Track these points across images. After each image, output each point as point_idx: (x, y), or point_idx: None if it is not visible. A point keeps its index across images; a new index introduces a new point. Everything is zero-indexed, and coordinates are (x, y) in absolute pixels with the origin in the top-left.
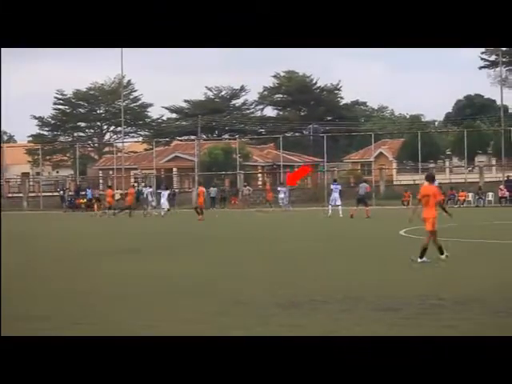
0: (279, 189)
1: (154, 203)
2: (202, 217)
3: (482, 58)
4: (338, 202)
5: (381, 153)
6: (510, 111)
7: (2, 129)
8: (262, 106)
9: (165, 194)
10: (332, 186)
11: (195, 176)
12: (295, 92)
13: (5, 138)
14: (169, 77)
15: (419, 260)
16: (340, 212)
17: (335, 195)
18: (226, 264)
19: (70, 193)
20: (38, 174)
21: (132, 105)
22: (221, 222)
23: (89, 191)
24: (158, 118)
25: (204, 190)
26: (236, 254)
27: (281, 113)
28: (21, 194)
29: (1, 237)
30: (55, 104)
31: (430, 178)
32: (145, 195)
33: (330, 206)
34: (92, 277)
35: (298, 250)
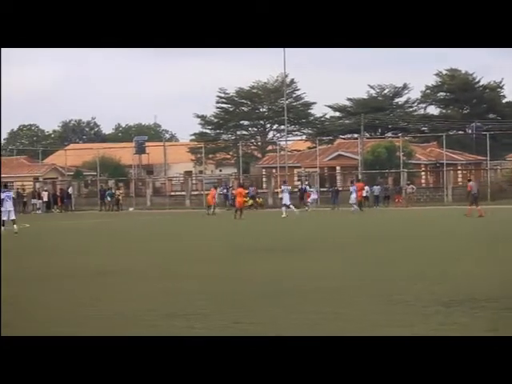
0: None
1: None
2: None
3: None
4: (288, 202)
5: None
6: None
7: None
8: (424, 105)
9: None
10: (282, 187)
11: (358, 174)
12: (458, 90)
13: (167, 136)
14: (332, 75)
15: None
16: (284, 213)
17: (286, 195)
18: (380, 262)
19: (233, 191)
20: (200, 172)
21: (295, 103)
22: (375, 220)
23: (251, 189)
24: (321, 117)
25: (215, 191)
26: (389, 252)
27: (443, 111)
28: (183, 193)
29: None
30: (218, 103)
31: None
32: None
33: (289, 208)
34: (247, 275)
35: (452, 248)
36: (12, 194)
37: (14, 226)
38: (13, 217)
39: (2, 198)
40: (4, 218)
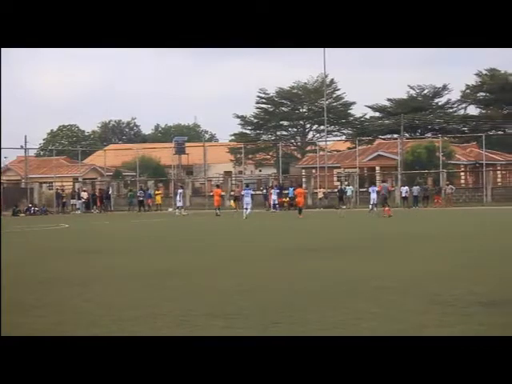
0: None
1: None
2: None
3: None
4: (249, 206)
5: None
6: None
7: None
8: (464, 105)
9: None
10: (243, 192)
11: (398, 175)
12: (498, 90)
13: (206, 136)
14: (371, 75)
15: None
16: (244, 214)
17: (247, 199)
18: (418, 262)
19: (271, 191)
20: (240, 172)
21: (335, 103)
22: (416, 221)
23: (291, 190)
24: (361, 117)
25: (220, 191)
26: (426, 252)
27: (483, 111)
28: (223, 193)
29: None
30: (258, 103)
31: None
32: (348, 193)
33: (244, 210)
34: (289, 274)
35: (489, 248)
36: None
37: None
38: None
39: None
40: None
